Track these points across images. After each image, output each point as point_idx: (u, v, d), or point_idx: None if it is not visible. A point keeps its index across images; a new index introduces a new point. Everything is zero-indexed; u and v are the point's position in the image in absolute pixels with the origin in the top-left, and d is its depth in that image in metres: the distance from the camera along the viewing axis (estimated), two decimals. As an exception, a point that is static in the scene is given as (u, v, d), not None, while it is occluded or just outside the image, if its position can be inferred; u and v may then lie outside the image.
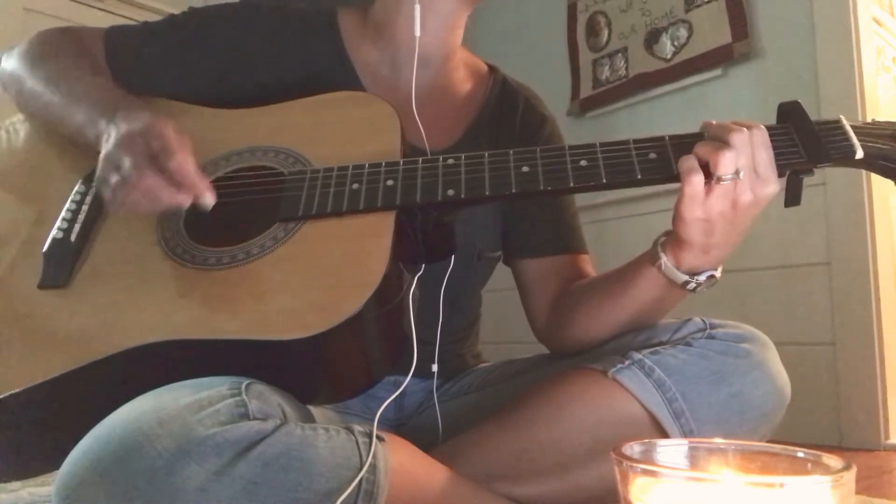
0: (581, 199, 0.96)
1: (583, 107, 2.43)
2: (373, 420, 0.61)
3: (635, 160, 0.67)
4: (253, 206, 0.70)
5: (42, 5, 2.17)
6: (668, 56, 2.17)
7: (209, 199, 0.66)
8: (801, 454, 0.41)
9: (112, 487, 0.50)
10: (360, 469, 0.56)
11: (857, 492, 0.41)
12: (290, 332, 0.59)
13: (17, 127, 0.86)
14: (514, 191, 0.67)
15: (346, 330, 0.59)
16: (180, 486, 0.50)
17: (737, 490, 0.35)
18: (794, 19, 1.90)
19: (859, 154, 0.65)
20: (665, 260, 0.70)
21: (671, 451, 0.44)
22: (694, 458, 0.43)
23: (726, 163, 0.62)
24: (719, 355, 0.72)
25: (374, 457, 0.57)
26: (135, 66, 0.84)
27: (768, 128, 0.66)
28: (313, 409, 0.67)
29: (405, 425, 0.91)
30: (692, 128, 0.69)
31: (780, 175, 0.65)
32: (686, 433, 0.69)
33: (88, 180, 0.75)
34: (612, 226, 2.27)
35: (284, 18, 0.88)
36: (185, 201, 0.65)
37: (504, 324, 1.54)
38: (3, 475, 0.69)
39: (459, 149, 0.79)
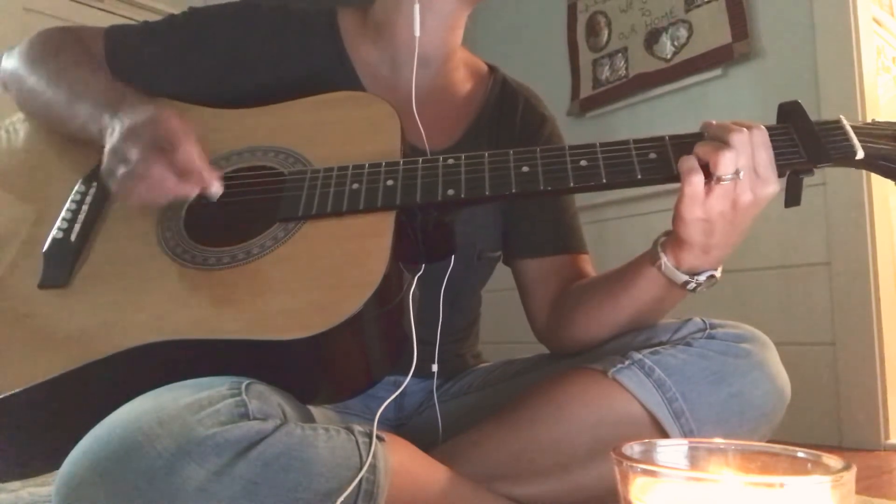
0: (581, 199, 0.96)
1: (583, 107, 2.43)
2: (373, 420, 0.61)
3: (635, 160, 0.67)
4: (253, 206, 0.70)
5: (42, 5, 2.17)
6: (668, 56, 2.17)
7: (216, 189, 0.67)
8: (801, 454, 0.41)
9: (112, 487, 0.50)
10: (360, 469, 0.56)
11: (857, 492, 0.41)
12: (290, 332, 0.59)
13: (16, 127, 0.86)
14: (514, 191, 0.67)
15: (346, 330, 0.59)
16: (180, 486, 0.50)
17: (737, 490, 0.35)
18: (794, 19, 1.90)
19: (860, 154, 0.65)
20: (665, 260, 0.70)
21: (671, 451, 0.44)
22: (694, 458, 0.43)
23: (726, 163, 0.62)
24: (719, 355, 0.72)
25: (374, 457, 0.57)
26: (135, 65, 0.84)
27: (768, 128, 0.66)
28: (313, 409, 0.67)
29: (405, 425, 0.91)
30: (692, 128, 0.69)
31: (781, 175, 0.65)
32: (686, 433, 0.69)
33: (89, 180, 0.75)
34: (612, 226, 2.27)
35: (284, 18, 0.88)
36: (191, 191, 0.66)
37: (504, 324, 1.54)
38: (3, 475, 0.69)
39: (459, 149, 0.79)
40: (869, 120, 0.69)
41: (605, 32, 2.38)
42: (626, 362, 0.72)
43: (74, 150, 0.79)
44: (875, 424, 1.69)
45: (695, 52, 2.10)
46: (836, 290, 1.78)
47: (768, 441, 0.67)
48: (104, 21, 1.29)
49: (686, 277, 0.70)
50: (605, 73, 2.37)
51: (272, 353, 0.61)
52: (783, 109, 0.69)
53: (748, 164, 0.63)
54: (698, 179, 0.63)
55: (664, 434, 0.69)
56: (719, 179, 0.63)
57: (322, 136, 0.76)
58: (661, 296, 0.75)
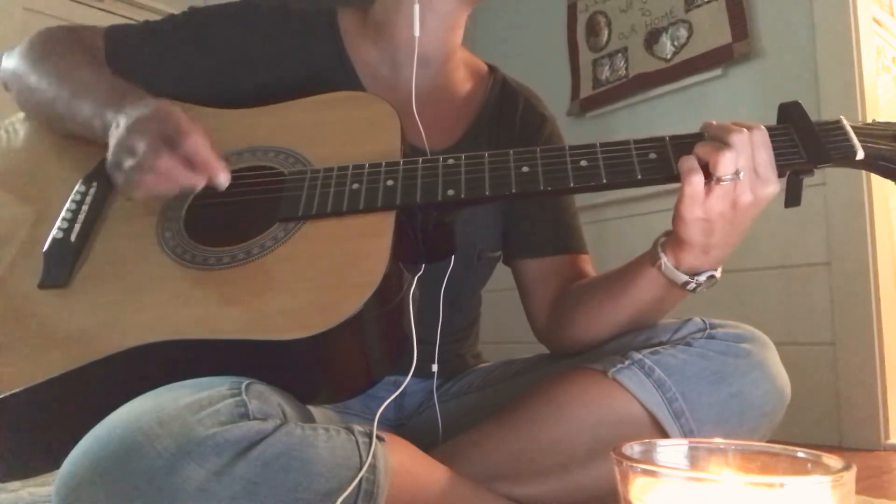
0: (581, 199, 0.96)
1: (583, 107, 2.43)
2: (373, 420, 0.61)
3: (635, 160, 0.67)
4: (253, 206, 0.70)
5: (42, 5, 2.17)
6: (668, 56, 2.17)
7: (223, 179, 0.67)
8: (801, 454, 0.41)
9: (112, 487, 0.50)
10: (360, 469, 0.56)
11: (857, 492, 0.41)
12: (290, 332, 0.59)
13: (16, 127, 0.86)
14: (514, 191, 0.67)
15: (346, 330, 0.59)
16: (180, 486, 0.50)
17: (737, 490, 0.35)
18: (794, 19, 1.90)
19: (860, 155, 0.65)
20: (665, 260, 0.71)
21: (671, 451, 0.44)
22: (694, 458, 0.43)
23: (726, 163, 0.62)
24: (719, 355, 0.72)
25: (374, 457, 0.57)
26: (135, 65, 0.84)
27: (768, 128, 0.66)
28: (313, 409, 0.67)
29: (405, 425, 0.91)
30: (692, 128, 0.69)
31: (781, 175, 0.65)
32: (686, 433, 0.69)
33: (89, 180, 0.75)
34: (612, 226, 2.27)
35: (284, 18, 0.88)
36: (199, 182, 0.66)
37: (504, 324, 1.54)
38: (3, 475, 0.69)
39: (459, 149, 0.79)
40: (869, 120, 0.69)
41: (605, 32, 2.38)
42: (626, 362, 0.72)
43: (74, 150, 0.79)
44: (875, 424, 1.69)
45: (695, 52, 2.10)
46: (836, 290, 1.78)
47: (768, 441, 0.67)
48: (104, 21, 1.29)
49: (686, 278, 0.70)
50: (605, 73, 2.37)
51: (272, 353, 0.61)
52: (783, 110, 0.69)
53: (748, 165, 0.63)
54: (698, 179, 0.63)
55: (664, 434, 0.69)
56: (719, 180, 0.63)
57: (322, 136, 0.76)
58: (661, 296, 0.75)
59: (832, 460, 0.39)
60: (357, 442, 0.58)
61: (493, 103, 0.93)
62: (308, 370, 0.66)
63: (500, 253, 0.93)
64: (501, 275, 0.95)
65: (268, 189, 0.71)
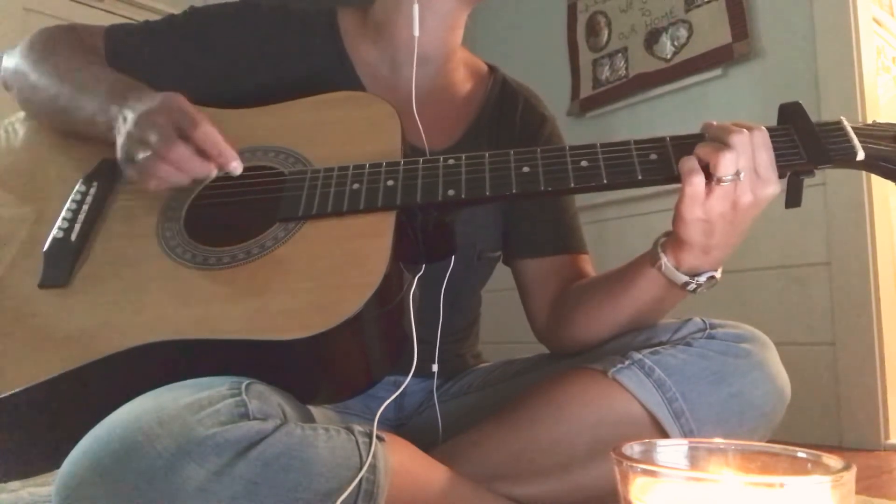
0: (581, 199, 0.96)
1: (583, 107, 2.43)
2: (373, 420, 0.61)
3: (636, 161, 0.67)
4: (253, 206, 0.70)
5: (42, 5, 2.17)
6: (668, 56, 2.17)
7: (236, 165, 0.68)
8: (801, 454, 0.41)
9: (112, 487, 0.50)
10: (360, 469, 0.56)
11: (857, 492, 0.41)
12: (290, 332, 0.59)
13: (16, 127, 0.86)
14: (514, 191, 0.67)
15: (346, 330, 0.59)
16: (180, 486, 0.50)
17: (737, 490, 0.35)
18: (794, 19, 1.90)
19: (860, 156, 0.65)
20: (665, 261, 0.71)
21: (671, 451, 0.44)
22: (694, 458, 0.43)
23: (727, 164, 0.62)
24: (719, 355, 0.72)
25: (374, 457, 0.57)
26: (135, 65, 0.84)
27: (769, 129, 0.66)
28: (313, 409, 0.67)
29: (405, 425, 0.91)
30: (692, 128, 0.69)
31: (781, 176, 0.65)
32: (686, 433, 0.69)
33: (89, 180, 0.75)
34: (612, 226, 2.27)
35: (284, 18, 0.88)
36: (212, 170, 0.68)
37: (504, 324, 1.54)
38: (4, 475, 0.69)
39: (459, 149, 0.79)
40: (870, 121, 0.69)
41: (605, 32, 2.38)
42: (626, 362, 0.72)
43: (74, 150, 0.79)
44: (875, 424, 1.69)
45: (695, 52, 2.10)
46: (836, 290, 1.78)
47: (768, 441, 0.67)
48: (104, 21, 1.29)
49: (686, 278, 0.70)
50: (605, 73, 2.37)
51: (272, 353, 0.61)
52: (784, 110, 0.69)
53: (749, 165, 0.63)
54: (699, 180, 0.63)
55: (664, 434, 0.69)
56: (720, 180, 0.63)
57: (322, 136, 0.76)
58: (661, 296, 0.75)
59: (832, 460, 0.39)
60: (357, 442, 0.58)
61: (493, 103, 0.93)
62: (308, 370, 0.66)
63: (500, 253, 0.93)
64: (501, 275, 0.95)
65: (268, 189, 0.71)
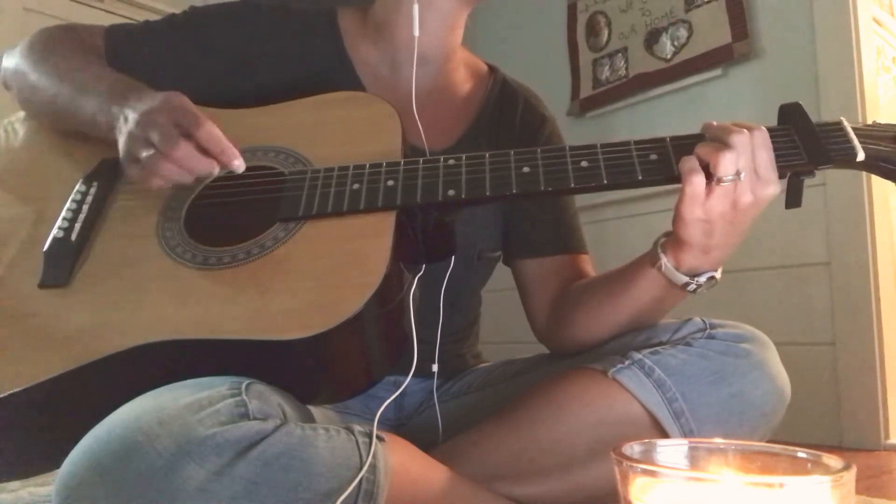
0: (581, 199, 0.96)
1: (583, 107, 2.43)
2: (373, 420, 0.61)
3: (636, 161, 0.67)
4: (253, 206, 0.70)
5: (42, 5, 2.17)
6: (668, 56, 2.17)
7: (239, 164, 0.69)
8: (801, 454, 0.41)
9: (112, 487, 0.50)
10: (360, 469, 0.56)
11: (857, 492, 0.41)
12: (290, 332, 0.59)
13: (16, 126, 0.86)
14: (514, 191, 0.67)
15: (346, 330, 0.59)
16: (180, 485, 0.50)
17: (737, 490, 0.35)
18: (794, 19, 1.90)
19: (860, 156, 0.65)
20: (665, 261, 0.70)
21: (671, 451, 0.44)
22: (694, 458, 0.43)
23: (727, 164, 0.62)
24: (719, 355, 0.72)
25: (374, 457, 0.57)
26: (135, 65, 0.84)
27: (769, 129, 0.66)
28: (313, 409, 0.67)
29: (405, 425, 0.91)
30: (692, 128, 0.69)
31: (781, 176, 0.65)
32: (686, 433, 0.69)
33: (89, 180, 0.75)
34: (612, 226, 2.27)
35: (284, 18, 0.88)
36: (215, 168, 0.68)
37: (504, 324, 1.54)
38: (4, 475, 0.69)
39: (459, 149, 0.79)
40: (870, 121, 0.69)
41: (605, 32, 2.38)
42: (626, 362, 0.72)
43: (74, 150, 0.79)
44: (875, 424, 1.69)
45: (695, 52, 2.10)
46: (836, 290, 1.78)
47: (768, 441, 0.67)
48: (104, 21, 1.29)
49: (686, 278, 0.70)
50: (605, 73, 2.37)
51: (272, 353, 0.61)
52: (784, 111, 0.69)
53: (749, 166, 0.63)
54: (699, 180, 0.63)
55: (664, 434, 0.69)
56: (720, 180, 0.63)
57: (322, 136, 0.76)
58: (661, 296, 0.75)
59: (832, 460, 0.39)
60: (357, 442, 0.58)
61: (493, 103, 0.93)
62: (308, 370, 0.66)
63: (500, 253, 0.93)
64: (501, 275, 0.95)
65: (268, 189, 0.71)
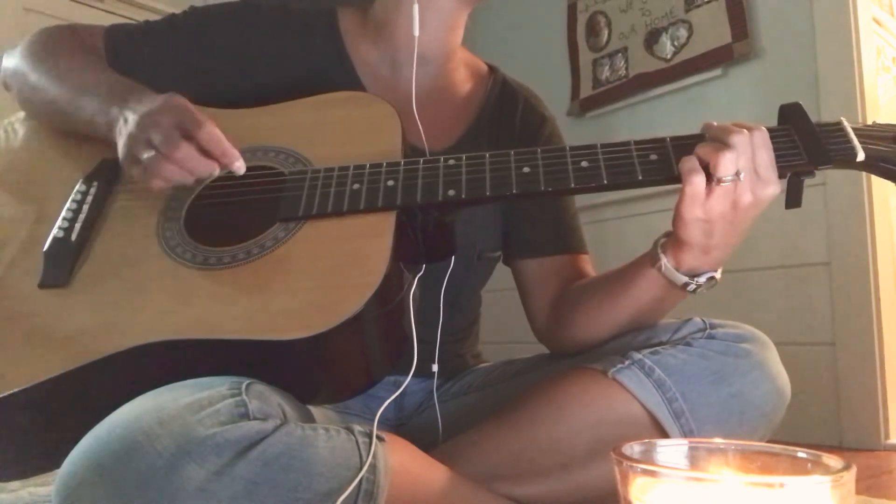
0: (581, 199, 0.96)
1: (583, 107, 2.43)
2: (373, 420, 0.61)
3: (636, 161, 0.67)
4: (253, 206, 0.70)
5: (42, 5, 2.16)
6: (668, 56, 2.17)
7: (239, 165, 0.69)
8: (801, 454, 0.41)
9: (112, 487, 0.50)
10: (360, 469, 0.56)
11: (857, 492, 0.41)
12: (290, 332, 0.59)
13: (16, 127, 0.86)
14: (514, 191, 0.67)
15: (346, 330, 0.59)
16: (180, 485, 0.50)
17: (737, 490, 0.35)
18: (794, 19, 1.90)
19: (860, 156, 0.65)
20: (665, 261, 0.70)
21: (671, 451, 0.44)
22: (694, 458, 0.43)
23: (727, 164, 0.62)
24: (719, 355, 0.72)
25: (374, 457, 0.57)
26: (135, 65, 0.84)
27: (769, 129, 0.66)
28: (313, 409, 0.67)
29: (405, 425, 0.91)
30: (692, 128, 0.69)
31: (781, 176, 0.65)
32: (686, 433, 0.69)
33: (89, 180, 0.75)
34: (612, 226, 2.27)
35: (284, 18, 0.88)
36: (216, 169, 0.68)
37: (504, 324, 1.54)
38: (4, 475, 0.69)
39: (459, 149, 0.79)
40: (870, 121, 0.69)
41: (605, 32, 2.38)
42: (626, 362, 0.72)
43: (74, 150, 0.79)
44: (875, 424, 1.69)
45: (695, 52, 2.09)
46: (836, 290, 1.78)
47: (768, 441, 0.67)
48: (104, 21, 1.29)
49: (686, 279, 0.70)
50: (605, 73, 2.37)
51: (272, 353, 0.61)
52: (784, 111, 0.69)
53: (749, 166, 0.63)
54: (699, 180, 0.63)
55: (664, 434, 0.69)
56: (720, 180, 0.63)
57: (322, 136, 0.76)
58: (661, 296, 0.75)
59: (832, 460, 0.39)
60: (357, 442, 0.58)
61: (493, 103, 0.93)
62: (308, 370, 0.66)
63: (500, 253, 0.93)
64: (501, 275, 0.95)
65: (268, 189, 0.71)
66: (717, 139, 0.65)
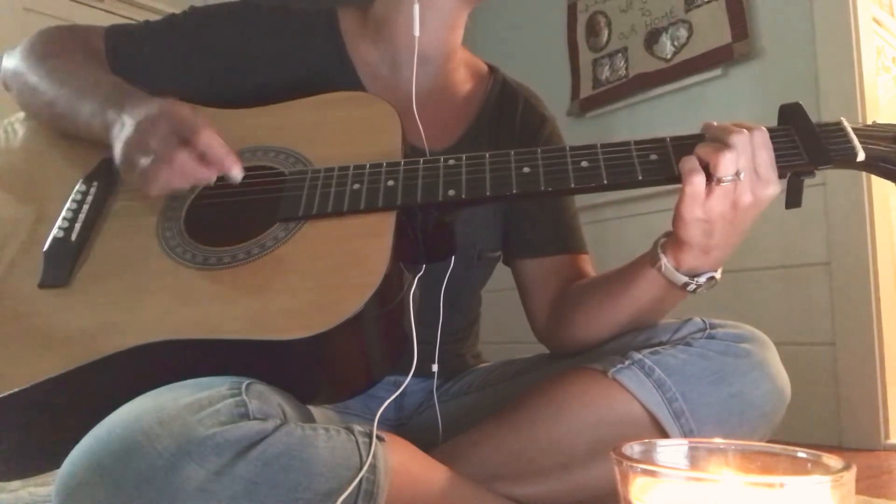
0: (581, 199, 0.96)
1: (583, 107, 2.43)
2: (373, 420, 0.61)
3: (636, 161, 0.67)
4: (253, 206, 0.70)
5: (42, 5, 2.16)
6: (668, 56, 2.17)
7: (237, 172, 0.68)
8: (801, 454, 0.41)
9: (112, 487, 0.50)
10: (360, 469, 0.56)
11: (857, 492, 0.41)
12: (290, 332, 0.59)
13: (16, 127, 0.86)
14: (514, 191, 0.67)
15: (346, 330, 0.59)
16: (180, 485, 0.50)
17: (737, 490, 0.35)
18: (794, 19, 1.90)
19: (860, 156, 0.65)
20: (665, 261, 0.71)
21: (671, 451, 0.44)
22: (694, 458, 0.43)
23: (727, 164, 0.62)
24: (719, 355, 0.72)
25: (374, 457, 0.58)
26: (135, 65, 0.84)
27: (769, 129, 0.66)
28: (313, 409, 0.67)
29: (405, 425, 0.91)
30: (692, 128, 0.69)
31: (781, 176, 0.65)
32: (686, 433, 0.69)
33: (89, 180, 0.75)
34: (612, 226, 2.27)
35: (284, 18, 0.88)
36: (214, 176, 0.68)
37: (504, 324, 1.54)
38: (4, 475, 0.69)
39: (459, 149, 0.79)
40: (870, 121, 0.69)
41: (605, 32, 2.38)
42: (626, 362, 0.72)
43: (75, 150, 0.79)
44: (875, 424, 1.69)
45: (695, 52, 2.09)
46: (836, 290, 1.78)
47: (768, 441, 0.67)
48: (104, 21, 1.29)
49: (686, 279, 0.70)
50: (605, 73, 2.37)
51: (272, 353, 0.61)
52: (784, 111, 0.69)
53: (749, 166, 0.63)
54: (699, 180, 0.63)
55: (664, 434, 0.69)
56: (720, 180, 0.63)
57: (322, 136, 0.76)
58: (661, 296, 0.75)
59: (832, 460, 0.39)
60: (357, 442, 0.58)
61: (493, 103, 0.93)
62: (308, 370, 0.66)
63: (500, 253, 0.94)
64: (501, 275, 0.95)
65: (268, 189, 0.71)
66: (717, 139, 0.65)
